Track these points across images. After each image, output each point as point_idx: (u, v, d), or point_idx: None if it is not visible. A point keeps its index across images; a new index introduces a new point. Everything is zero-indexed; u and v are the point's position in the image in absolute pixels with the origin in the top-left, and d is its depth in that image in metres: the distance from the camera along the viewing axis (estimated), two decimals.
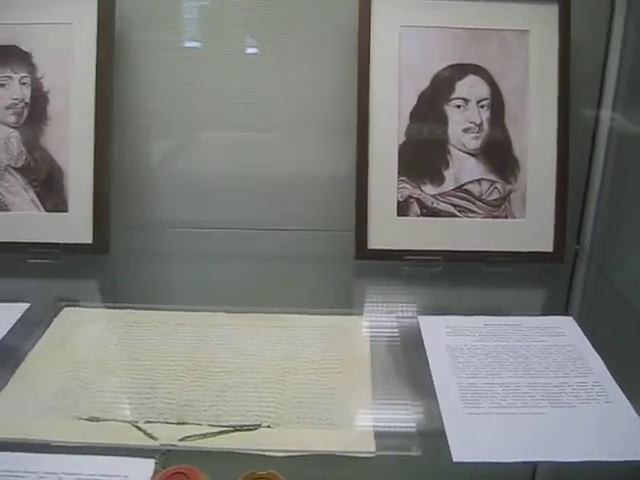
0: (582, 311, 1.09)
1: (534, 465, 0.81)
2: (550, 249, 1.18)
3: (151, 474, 0.75)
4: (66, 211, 1.20)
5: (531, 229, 1.19)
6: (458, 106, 1.18)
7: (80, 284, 1.18)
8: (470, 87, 1.18)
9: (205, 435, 0.81)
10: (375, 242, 1.19)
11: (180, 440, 0.80)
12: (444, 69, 1.18)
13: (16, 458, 0.77)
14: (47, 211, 1.20)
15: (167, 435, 0.81)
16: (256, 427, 0.83)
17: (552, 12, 1.16)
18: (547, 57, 1.17)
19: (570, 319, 1.05)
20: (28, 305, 1.06)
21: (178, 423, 0.83)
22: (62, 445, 0.79)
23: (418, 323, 1.04)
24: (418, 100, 1.18)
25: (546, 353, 0.97)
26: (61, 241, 1.19)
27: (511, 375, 0.92)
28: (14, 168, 1.20)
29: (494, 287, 1.17)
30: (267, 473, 0.74)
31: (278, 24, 1.24)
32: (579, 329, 1.02)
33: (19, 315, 1.04)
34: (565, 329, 1.03)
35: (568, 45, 1.16)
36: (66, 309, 1.06)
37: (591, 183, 1.26)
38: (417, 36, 1.18)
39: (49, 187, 1.20)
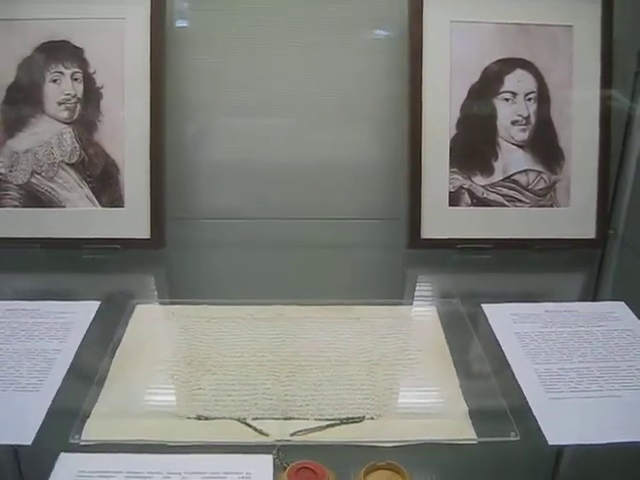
0: (629, 295, 1.14)
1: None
2: (593, 236, 1.25)
3: (271, 470, 0.78)
4: (122, 206, 1.21)
5: (575, 217, 1.25)
6: (507, 99, 1.23)
7: (142, 279, 1.20)
8: (518, 81, 1.23)
9: (315, 429, 0.85)
10: (428, 232, 1.23)
11: (292, 435, 0.83)
12: (493, 63, 1.22)
13: (137, 459, 0.78)
14: (103, 206, 1.21)
15: (276, 431, 0.83)
16: (361, 419, 0.86)
17: (595, 8, 1.22)
18: (590, 51, 1.22)
19: (622, 304, 1.10)
20: (99, 303, 1.07)
21: (284, 418, 0.86)
22: (176, 445, 0.81)
23: (482, 311, 1.08)
24: (468, 94, 1.22)
25: (608, 338, 1.02)
26: (117, 236, 1.20)
27: (581, 360, 0.97)
28: (68, 164, 1.20)
29: (542, 273, 1.23)
30: (386, 464, 0.78)
31: (328, 15, 1.26)
32: (632, 313, 1.08)
33: (93, 314, 1.05)
34: (620, 314, 1.08)
35: (610, 39, 1.21)
36: (139, 306, 1.08)
37: (623, 170, 1.33)
38: (467, 31, 1.22)
39: (104, 183, 1.21)
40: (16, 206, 1.21)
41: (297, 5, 1.27)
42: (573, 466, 0.86)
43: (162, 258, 1.23)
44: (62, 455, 0.78)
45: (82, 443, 0.81)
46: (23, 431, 0.81)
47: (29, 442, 0.80)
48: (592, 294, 1.21)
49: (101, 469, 0.76)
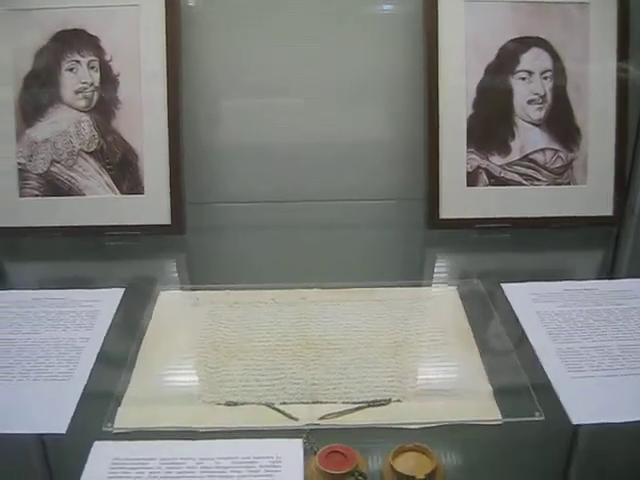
0: None
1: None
2: (610, 213, 1.26)
3: (301, 453, 0.79)
4: (142, 193, 1.22)
5: (592, 194, 1.26)
6: (523, 78, 1.23)
7: (164, 265, 1.22)
8: (534, 59, 1.23)
9: (343, 413, 0.86)
10: (446, 212, 1.24)
11: (320, 419, 0.84)
12: (509, 42, 1.22)
13: (170, 446, 0.79)
14: (123, 194, 1.22)
15: (305, 415, 0.85)
16: (387, 402, 0.88)
17: None
18: (606, 28, 1.22)
19: None
20: (123, 290, 1.08)
21: (313, 402, 0.87)
22: (207, 431, 0.82)
23: (502, 290, 1.09)
24: (484, 73, 1.23)
25: (627, 316, 1.03)
26: (138, 223, 1.22)
27: (602, 339, 0.98)
28: (87, 152, 1.21)
29: (560, 251, 1.24)
30: (414, 446, 0.79)
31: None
32: None
33: (118, 301, 1.06)
34: (638, 291, 1.08)
35: (627, 16, 1.21)
36: (163, 293, 1.09)
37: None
38: (482, 11, 1.22)
39: (124, 170, 1.22)
40: (36, 195, 1.22)
41: None
42: (596, 444, 0.87)
43: (183, 244, 1.24)
44: (96, 443, 0.79)
45: (115, 431, 0.82)
46: (57, 420, 0.83)
47: (63, 431, 0.82)
48: (610, 272, 1.22)
49: (135, 456, 0.78)
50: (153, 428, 0.83)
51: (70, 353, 0.94)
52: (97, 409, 0.85)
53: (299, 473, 0.76)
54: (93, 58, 1.19)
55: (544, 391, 0.88)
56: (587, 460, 0.85)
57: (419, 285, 1.13)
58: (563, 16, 1.22)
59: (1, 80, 1.20)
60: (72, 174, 1.21)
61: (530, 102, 1.23)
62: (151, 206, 1.21)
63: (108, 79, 1.20)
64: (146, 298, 1.07)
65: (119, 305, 1.05)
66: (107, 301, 1.06)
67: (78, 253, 1.21)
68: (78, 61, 1.19)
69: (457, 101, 1.22)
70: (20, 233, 1.21)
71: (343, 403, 0.87)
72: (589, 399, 0.87)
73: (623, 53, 1.22)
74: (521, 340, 0.98)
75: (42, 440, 0.83)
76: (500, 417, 0.85)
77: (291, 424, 0.84)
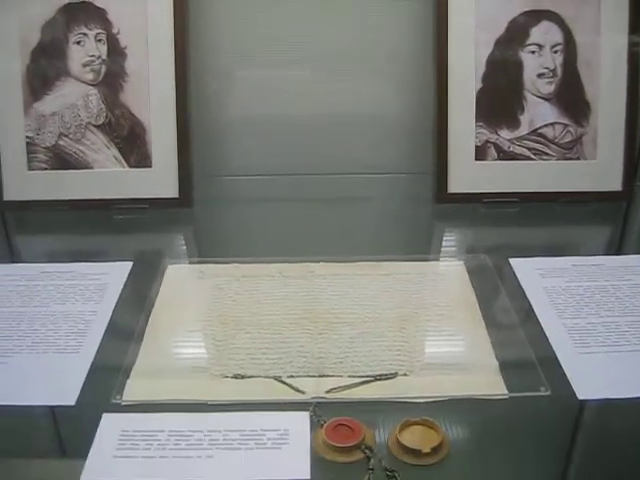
0: None
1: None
2: (619, 188, 1.25)
3: (308, 426, 0.79)
4: (150, 166, 1.22)
5: (601, 169, 1.25)
6: (533, 52, 1.22)
7: (172, 239, 1.22)
8: (544, 33, 1.22)
9: (349, 386, 0.86)
10: (455, 186, 1.24)
11: (327, 392, 0.85)
12: (519, 15, 1.21)
13: (178, 418, 0.80)
14: (130, 167, 1.23)
15: (312, 388, 0.85)
16: (394, 376, 0.88)
17: None
18: (618, 1, 1.20)
19: None
20: (131, 263, 1.09)
21: (319, 376, 0.87)
22: (215, 404, 0.82)
23: (510, 265, 1.09)
24: (494, 47, 1.22)
25: (635, 292, 1.02)
26: (146, 196, 1.22)
27: (609, 314, 0.97)
28: (94, 126, 1.22)
29: (568, 226, 1.24)
30: (420, 419, 0.80)
31: None
32: None
33: (126, 274, 1.07)
34: None
35: None
36: (171, 266, 1.10)
37: None
38: None
39: (132, 143, 1.22)
40: (44, 169, 1.22)
41: None
42: (601, 420, 0.88)
43: (191, 217, 1.24)
44: (105, 415, 0.80)
45: (124, 403, 0.83)
46: (66, 392, 0.83)
47: (73, 402, 0.82)
48: (618, 247, 1.22)
49: (144, 428, 0.78)
50: (161, 400, 0.83)
51: (79, 326, 0.95)
52: (106, 381, 0.86)
53: (306, 446, 0.76)
54: (100, 31, 1.19)
55: (550, 366, 0.88)
56: (592, 435, 0.85)
57: (426, 259, 1.13)
58: None
59: (8, 53, 1.19)
60: (80, 147, 1.21)
61: (540, 76, 1.23)
62: (159, 179, 1.22)
63: (115, 52, 1.20)
64: (154, 271, 1.08)
65: (127, 278, 1.06)
66: (115, 274, 1.06)
67: (86, 226, 1.21)
68: (85, 34, 1.19)
69: (466, 74, 1.21)
70: (28, 206, 1.22)
71: (350, 377, 0.87)
72: (595, 374, 0.87)
73: (635, 26, 1.20)
74: (528, 315, 0.98)
75: (52, 412, 0.84)
76: (506, 392, 0.85)
77: (298, 397, 0.84)
